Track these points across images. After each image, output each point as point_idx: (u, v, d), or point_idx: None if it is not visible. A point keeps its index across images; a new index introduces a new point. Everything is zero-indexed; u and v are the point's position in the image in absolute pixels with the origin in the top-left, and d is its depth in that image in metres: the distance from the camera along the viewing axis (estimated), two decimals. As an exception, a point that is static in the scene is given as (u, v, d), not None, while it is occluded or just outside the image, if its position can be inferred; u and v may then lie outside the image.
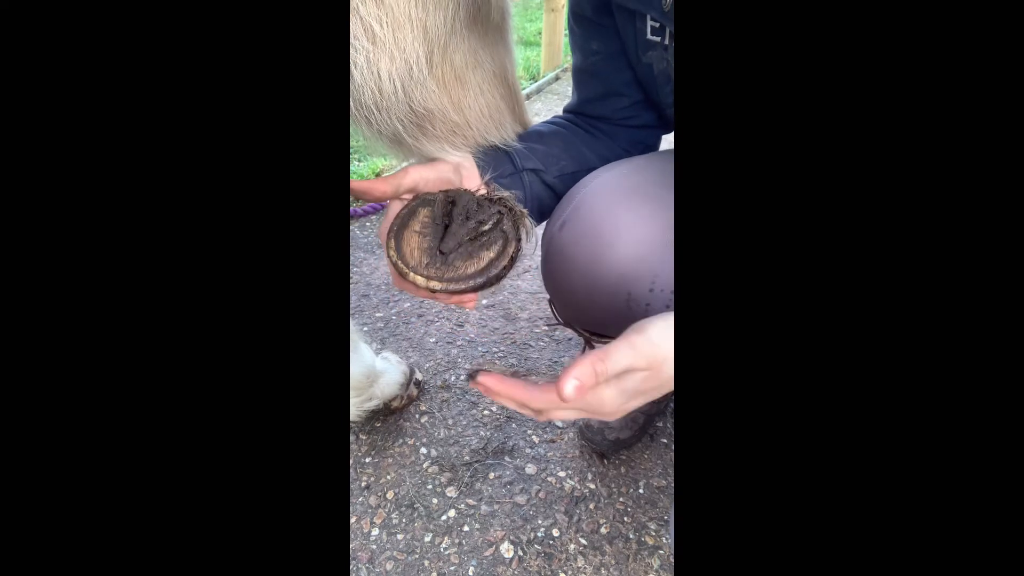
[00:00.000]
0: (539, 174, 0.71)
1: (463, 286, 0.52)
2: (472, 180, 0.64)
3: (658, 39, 0.65)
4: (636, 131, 0.79)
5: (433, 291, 0.53)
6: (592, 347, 0.80)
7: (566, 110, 0.81)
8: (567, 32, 0.78)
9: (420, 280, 0.52)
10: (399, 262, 0.52)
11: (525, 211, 0.59)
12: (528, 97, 2.71)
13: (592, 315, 0.69)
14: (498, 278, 0.53)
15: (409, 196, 0.59)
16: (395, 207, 0.58)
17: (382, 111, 0.60)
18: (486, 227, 0.55)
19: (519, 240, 0.57)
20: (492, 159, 0.67)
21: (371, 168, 1.95)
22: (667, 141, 0.84)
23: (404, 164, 0.75)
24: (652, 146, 0.82)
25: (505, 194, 0.60)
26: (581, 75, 0.77)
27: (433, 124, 0.67)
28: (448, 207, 0.57)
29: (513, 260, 0.55)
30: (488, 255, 0.54)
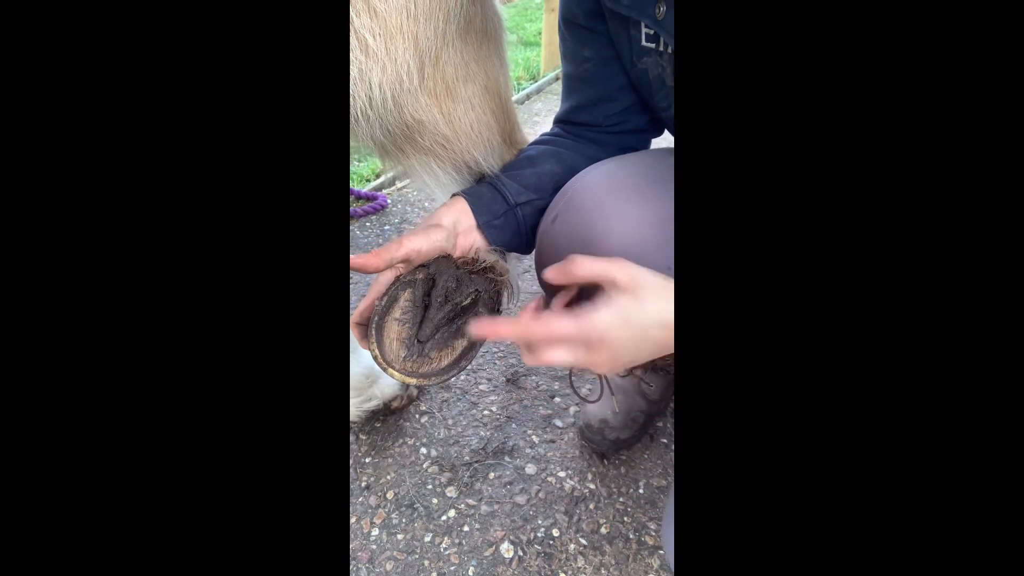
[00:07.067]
0: (533, 203, 0.72)
1: (436, 380, 0.61)
2: (468, 236, 0.68)
3: (652, 45, 0.66)
4: (625, 137, 0.79)
5: (409, 384, 0.61)
6: None
7: (555, 121, 0.83)
8: (563, 35, 0.79)
9: (397, 375, 0.59)
10: (379, 358, 0.59)
11: (507, 275, 0.65)
12: (528, 97, 2.71)
13: None
14: (469, 362, 0.63)
15: (403, 267, 0.62)
16: (385, 277, 0.62)
17: (369, 121, 0.61)
18: (465, 303, 0.63)
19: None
20: (487, 199, 0.70)
21: (371, 168, 1.95)
22: (658, 142, 0.85)
23: (397, 167, 0.76)
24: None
25: (489, 261, 0.65)
26: (572, 82, 0.78)
27: (423, 135, 0.68)
28: (428, 286, 0.63)
29: (480, 345, 0.64)
30: (461, 343, 0.62)
